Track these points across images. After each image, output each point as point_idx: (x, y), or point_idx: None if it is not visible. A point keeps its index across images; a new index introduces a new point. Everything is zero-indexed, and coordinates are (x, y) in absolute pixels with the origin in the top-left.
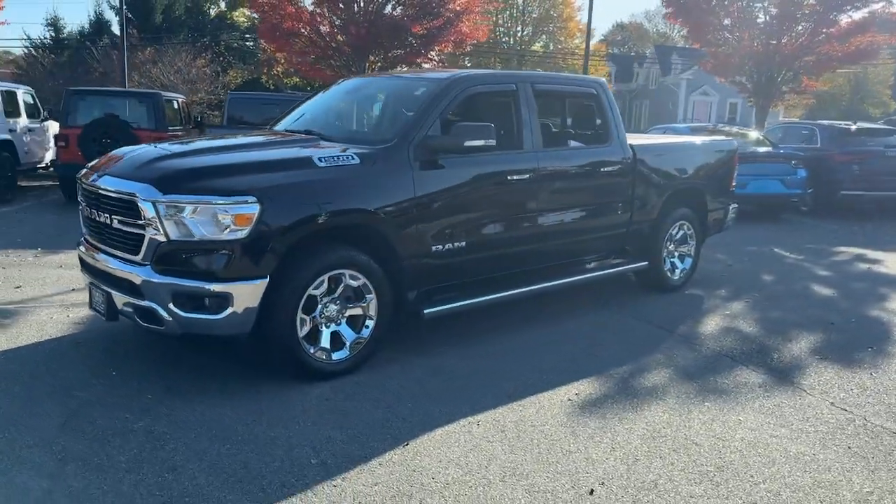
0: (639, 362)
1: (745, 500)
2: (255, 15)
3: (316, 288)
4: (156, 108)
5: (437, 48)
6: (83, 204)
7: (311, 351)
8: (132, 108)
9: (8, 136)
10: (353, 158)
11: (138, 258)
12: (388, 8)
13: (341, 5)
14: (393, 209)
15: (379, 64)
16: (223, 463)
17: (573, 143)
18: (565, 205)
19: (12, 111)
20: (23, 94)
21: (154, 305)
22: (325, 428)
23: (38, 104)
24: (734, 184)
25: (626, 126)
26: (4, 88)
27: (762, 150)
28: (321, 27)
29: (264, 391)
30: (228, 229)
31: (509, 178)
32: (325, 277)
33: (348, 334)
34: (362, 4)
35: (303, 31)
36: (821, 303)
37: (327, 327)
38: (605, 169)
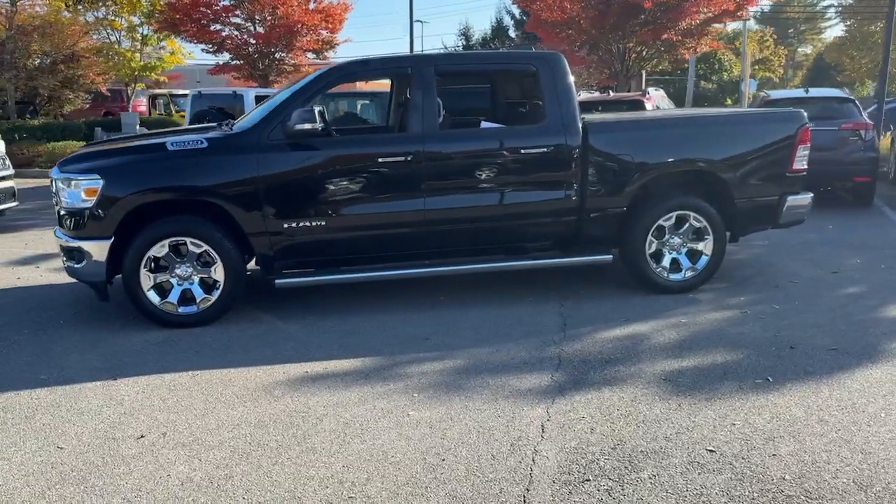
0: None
1: None
2: None
3: (159, 249)
4: None
5: (685, 20)
6: None
7: (158, 303)
8: None
9: None
10: (202, 143)
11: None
12: None
13: None
14: (231, 187)
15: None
16: None
17: (486, 125)
18: (468, 188)
19: None
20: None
21: (61, 257)
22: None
23: None
24: (799, 167)
25: None
26: None
27: None
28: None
29: None
30: (82, 199)
31: (380, 160)
32: (166, 243)
33: (198, 293)
34: None
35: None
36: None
37: (179, 285)
38: (529, 151)
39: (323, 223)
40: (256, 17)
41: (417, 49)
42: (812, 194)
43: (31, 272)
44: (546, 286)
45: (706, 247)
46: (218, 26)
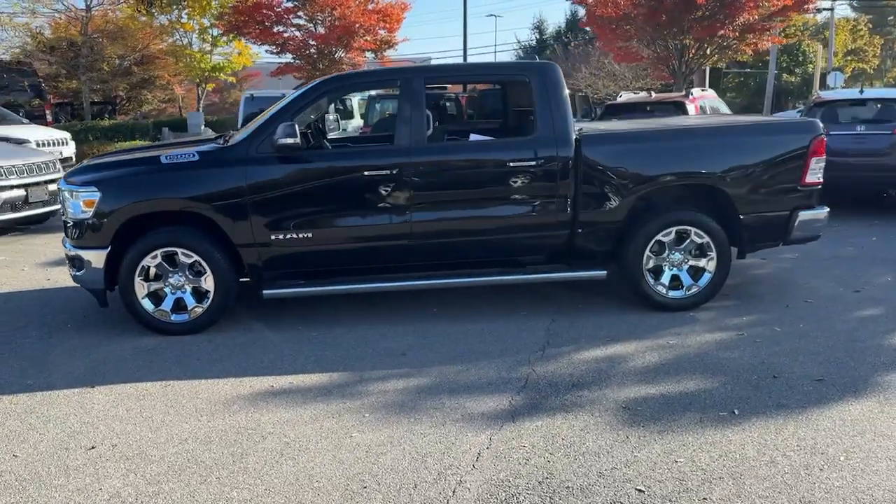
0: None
1: None
2: None
3: (152, 259)
4: None
5: (742, 15)
6: None
7: (152, 311)
8: None
9: None
10: (193, 156)
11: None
12: None
13: None
14: (218, 199)
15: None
16: None
17: (475, 138)
18: (455, 202)
19: None
20: None
21: (66, 264)
22: None
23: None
24: (812, 180)
25: None
26: None
27: None
28: None
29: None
30: (82, 210)
31: (365, 173)
32: (158, 253)
33: (190, 301)
34: None
35: None
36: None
37: (173, 293)
38: (518, 164)
39: (309, 235)
40: (317, 17)
41: (489, 44)
42: (828, 209)
43: (61, 274)
44: (545, 299)
45: (709, 264)
46: (281, 28)
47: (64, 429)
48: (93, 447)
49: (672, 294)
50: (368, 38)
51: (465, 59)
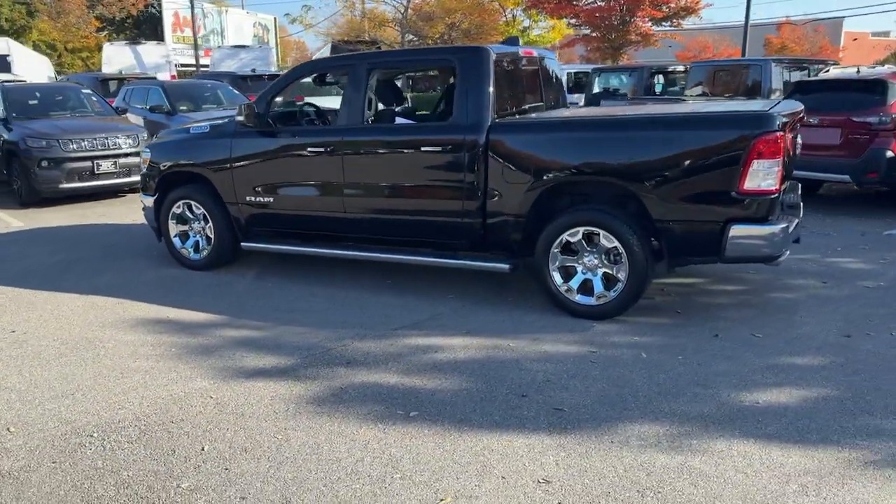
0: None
1: None
2: None
3: (177, 208)
4: None
5: None
6: None
7: (179, 248)
8: None
9: None
10: (205, 129)
11: None
12: None
13: None
14: (214, 165)
15: None
16: None
17: (400, 121)
18: (378, 181)
19: None
20: None
21: None
22: None
23: None
24: (755, 187)
25: None
26: None
27: None
28: None
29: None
30: (143, 167)
31: (309, 150)
32: (181, 203)
33: (202, 243)
34: None
35: None
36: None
37: (195, 236)
38: (431, 148)
39: (270, 200)
40: None
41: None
42: (783, 225)
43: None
44: (485, 285)
45: (620, 272)
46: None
47: (33, 316)
48: (13, 331)
49: (580, 299)
50: (663, 7)
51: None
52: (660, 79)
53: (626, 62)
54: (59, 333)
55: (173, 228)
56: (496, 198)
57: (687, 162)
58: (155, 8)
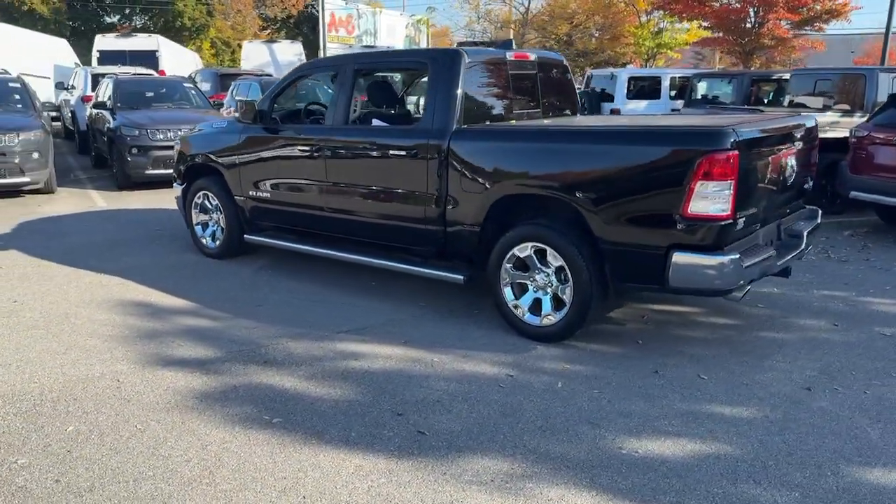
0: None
1: None
2: None
3: (198, 199)
4: None
5: None
6: None
7: (200, 235)
8: None
9: None
10: (224, 124)
11: None
12: None
13: None
14: (224, 158)
15: None
16: None
17: (377, 123)
18: (352, 183)
19: None
20: None
21: None
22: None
23: None
24: (702, 211)
25: None
26: None
27: None
28: None
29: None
30: (174, 158)
31: (299, 148)
32: (200, 194)
33: (218, 234)
34: None
35: None
36: None
37: (213, 225)
38: (395, 152)
39: (267, 195)
40: None
41: None
42: (735, 256)
43: None
44: (462, 296)
45: (566, 293)
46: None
47: (42, 286)
48: (15, 301)
49: (529, 318)
50: (801, 10)
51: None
52: (760, 87)
53: (764, 67)
54: (48, 307)
55: (196, 217)
56: (455, 206)
57: (627, 179)
58: (315, 8)
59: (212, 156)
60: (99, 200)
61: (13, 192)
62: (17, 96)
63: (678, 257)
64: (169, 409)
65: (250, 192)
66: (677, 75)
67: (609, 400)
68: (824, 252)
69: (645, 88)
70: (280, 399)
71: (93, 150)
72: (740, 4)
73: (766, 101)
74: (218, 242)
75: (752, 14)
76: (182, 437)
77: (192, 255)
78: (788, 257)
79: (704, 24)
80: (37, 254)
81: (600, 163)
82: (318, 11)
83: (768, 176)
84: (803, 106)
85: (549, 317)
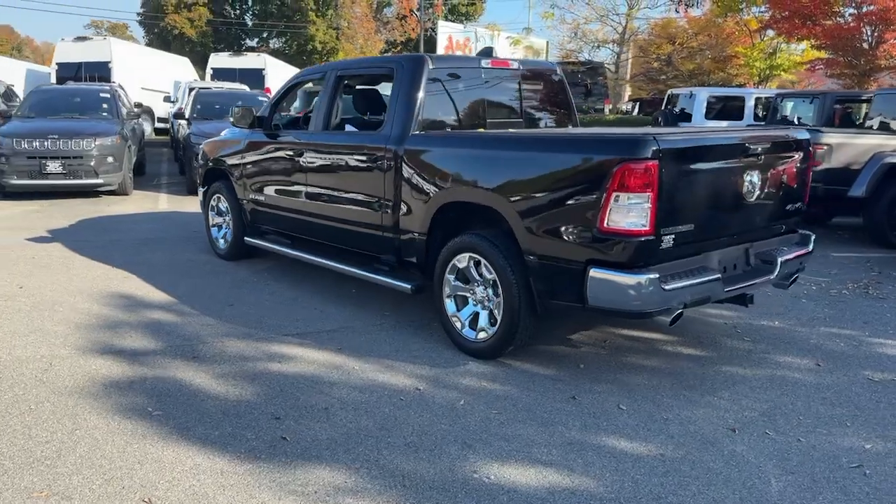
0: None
1: None
2: None
3: (214, 201)
4: None
5: None
6: None
7: (215, 237)
8: None
9: None
10: (238, 130)
11: None
12: None
13: None
14: (230, 162)
15: None
16: None
17: (349, 129)
18: (320, 187)
19: None
20: None
21: None
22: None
23: None
24: (619, 226)
25: None
26: None
27: None
28: None
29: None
30: (200, 160)
31: (286, 153)
32: (217, 196)
33: (229, 235)
34: None
35: None
36: None
37: (226, 227)
38: (357, 158)
39: (262, 198)
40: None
41: None
42: (655, 275)
43: None
44: (430, 307)
45: (497, 309)
46: (826, 20)
47: (52, 272)
48: (21, 287)
49: (466, 333)
50: None
51: None
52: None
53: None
54: (45, 294)
55: (212, 219)
56: (406, 213)
57: (548, 189)
58: (433, 31)
59: (222, 160)
60: (163, 204)
61: (92, 192)
62: (106, 105)
63: (595, 273)
64: (71, 393)
65: (249, 196)
66: (763, 95)
67: (502, 422)
68: (864, 287)
69: (726, 108)
70: (176, 394)
71: (177, 158)
72: (855, 22)
73: (856, 122)
74: (228, 240)
75: (867, 32)
76: (61, 420)
77: (205, 255)
78: (744, 284)
79: (815, 43)
80: (73, 247)
81: (524, 171)
82: (436, 35)
83: (720, 193)
84: (887, 128)
85: (484, 332)
